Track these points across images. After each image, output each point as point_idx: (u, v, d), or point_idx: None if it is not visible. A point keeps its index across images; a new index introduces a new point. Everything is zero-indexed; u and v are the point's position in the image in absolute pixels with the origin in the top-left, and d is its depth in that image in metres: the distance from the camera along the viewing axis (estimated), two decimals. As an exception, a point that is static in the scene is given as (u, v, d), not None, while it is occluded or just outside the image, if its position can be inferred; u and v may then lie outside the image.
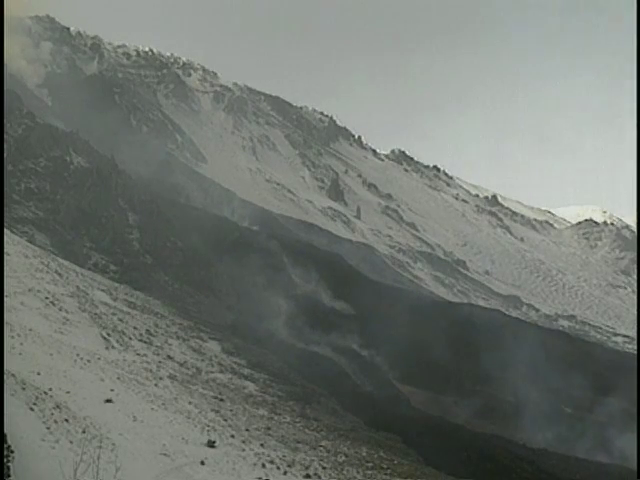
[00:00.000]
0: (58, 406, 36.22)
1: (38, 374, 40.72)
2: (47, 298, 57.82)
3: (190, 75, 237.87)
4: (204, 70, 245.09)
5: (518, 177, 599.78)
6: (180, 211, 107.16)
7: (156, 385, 49.04)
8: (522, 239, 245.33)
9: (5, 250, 60.39)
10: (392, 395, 77.46)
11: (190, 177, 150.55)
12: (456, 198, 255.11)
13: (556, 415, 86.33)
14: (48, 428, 33.02)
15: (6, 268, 57.30)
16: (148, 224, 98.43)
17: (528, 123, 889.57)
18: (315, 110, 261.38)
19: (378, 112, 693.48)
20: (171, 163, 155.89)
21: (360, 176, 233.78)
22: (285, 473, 39.43)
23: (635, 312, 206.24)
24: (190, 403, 47.57)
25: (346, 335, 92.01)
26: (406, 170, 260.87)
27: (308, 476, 39.96)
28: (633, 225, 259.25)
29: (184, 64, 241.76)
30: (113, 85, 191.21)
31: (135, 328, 61.39)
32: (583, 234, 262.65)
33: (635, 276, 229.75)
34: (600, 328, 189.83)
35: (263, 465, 39.54)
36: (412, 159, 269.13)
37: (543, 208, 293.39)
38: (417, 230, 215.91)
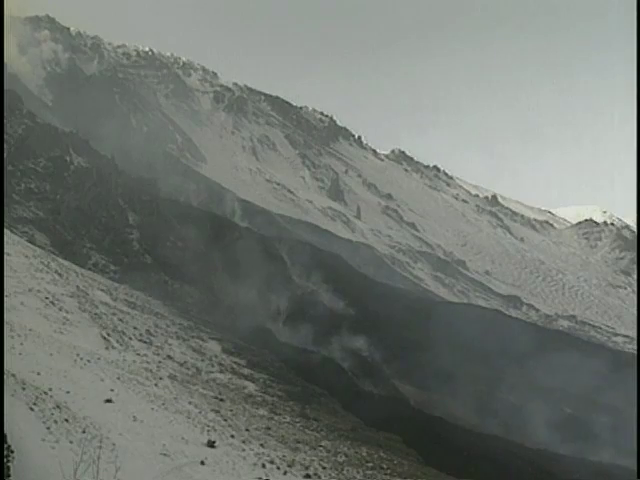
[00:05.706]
0: (58, 406, 36.18)
1: (38, 374, 40.65)
2: (47, 298, 57.79)
3: (190, 75, 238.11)
4: (204, 70, 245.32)
5: (518, 177, 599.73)
6: (180, 211, 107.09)
7: (156, 385, 49.00)
8: (522, 239, 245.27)
9: (5, 250, 60.35)
10: (392, 395, 77.39)
11: (190, 177, 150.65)
12: (456, 198, 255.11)
13: (556, 415, 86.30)
14: (48, 428, 32.97)
15: (6, 268, 57.29)
16: (148, 224, 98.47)
17: (528, 123, 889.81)
18: (315, 110, 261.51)
19: (378, 112, 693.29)
20: (171, 163, 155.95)
21: (360, 176, 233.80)
22: (285, 473, 39.38)
23: (635, 312, 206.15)
24: (190, 403, 47.53)
25: (346, 335, 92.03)
26: (406, 170, 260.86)
27: (308, 476, 39.92)
28: (633, 225, 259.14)
29: (184, 64, 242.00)
30: (113, 85, 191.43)
31: (135, 328, 61.37)
32: (583, 234, 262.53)
33: (635, 276, 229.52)
34: (600, 328, 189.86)
35: (263, 465, 39.49)
36: (412, 159, 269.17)
37: (543, 208, 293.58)
38: (417, 230, 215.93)
